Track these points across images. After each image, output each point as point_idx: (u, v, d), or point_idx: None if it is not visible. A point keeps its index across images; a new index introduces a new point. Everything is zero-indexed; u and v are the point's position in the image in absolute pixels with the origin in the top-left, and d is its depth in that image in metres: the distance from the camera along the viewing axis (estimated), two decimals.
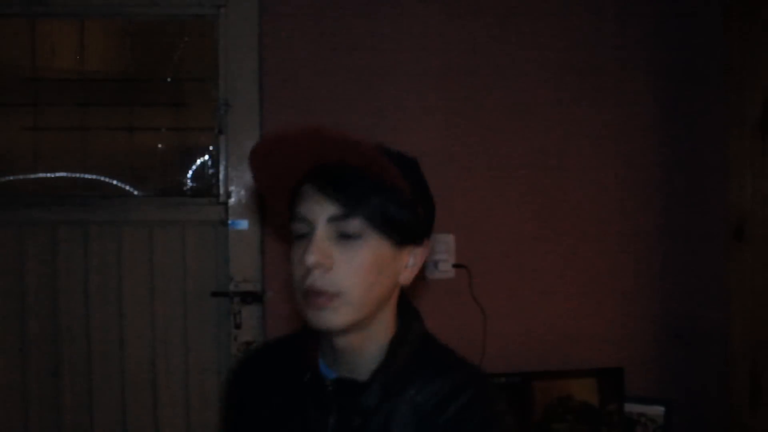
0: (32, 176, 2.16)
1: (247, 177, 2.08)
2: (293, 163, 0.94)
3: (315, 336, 0.99)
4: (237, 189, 2.08)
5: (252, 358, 1.12)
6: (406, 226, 0.93)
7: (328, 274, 0.90)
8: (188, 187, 2.19)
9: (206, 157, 2.18)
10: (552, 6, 2.14)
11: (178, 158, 2.20)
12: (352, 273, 0.90)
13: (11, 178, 2.17)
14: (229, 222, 2.08)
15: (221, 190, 2.12)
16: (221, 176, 2.12)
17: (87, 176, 2.17)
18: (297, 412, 0.98)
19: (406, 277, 0.97)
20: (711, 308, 2.16)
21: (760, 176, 2.01)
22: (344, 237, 0.90)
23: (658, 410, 2.05)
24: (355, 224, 0.90)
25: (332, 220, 0.90)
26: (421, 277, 2.07)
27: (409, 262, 0.97)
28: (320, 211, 0.90)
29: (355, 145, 0.89)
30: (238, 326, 2.06)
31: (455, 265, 2.09)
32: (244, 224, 2.08)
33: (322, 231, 0.90)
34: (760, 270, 2.01)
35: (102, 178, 2.17)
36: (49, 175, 2.16)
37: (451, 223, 2.09)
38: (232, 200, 2.08)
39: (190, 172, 2.19)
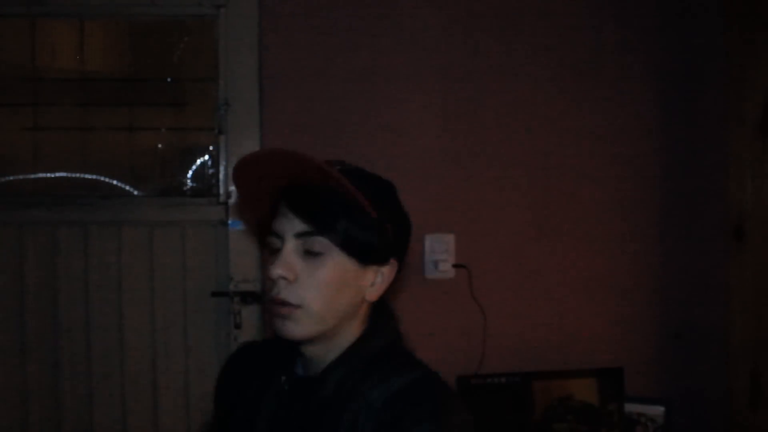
0: (32, 176, 2.16)
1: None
2: (270, 182, 1.00)
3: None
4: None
5: (246, 352, 1.20)
6: (370, 247, 0.98)
7: (291, 286, 0.96)
8: (188, 187, 2.19)
9: (206, 157, 2.18)
10: (552, 6, 2.14)
11: (178, 158, 2.20)
12: (313, 287, 0.96)
13: (11, 178, 2.17)
14: (229, 222, 2.08)
15: (221, 190, 2.12)
16: (221, 176, 2.12)
17: (87, 176, 2.17)
18: (268, 411, 1.04)
19: (372, 293, 1.02)
20: (711, 308, 2.16)
21: (760, 176, 2.01)
22: (309, 253, 0.96)
23: (658, 410, 2.05)
24: (320, 242, 0.96)
25: (299, 236, 0.96)
26: (420, 277, 2.08)
27: (376, 279, 1.01)
28: (290, 227, 0.97)
29: (320, 168, 0.95)
30: (238, 326, 2.06)
31: (455, 265, 2.09)
32: (244, 224, 2.08)
33: (290, 245, 0.97)
34: (760, 270, 2.01)
35: (102, 178, 2.17)
36: (49, 175, 2.16)
37: (451, 223, 2.09)
38: (232, 200, 2.08)
39: (190, 172, 2.19)
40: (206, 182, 2.18)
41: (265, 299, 0.99)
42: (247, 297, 2.06)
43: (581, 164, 2.15)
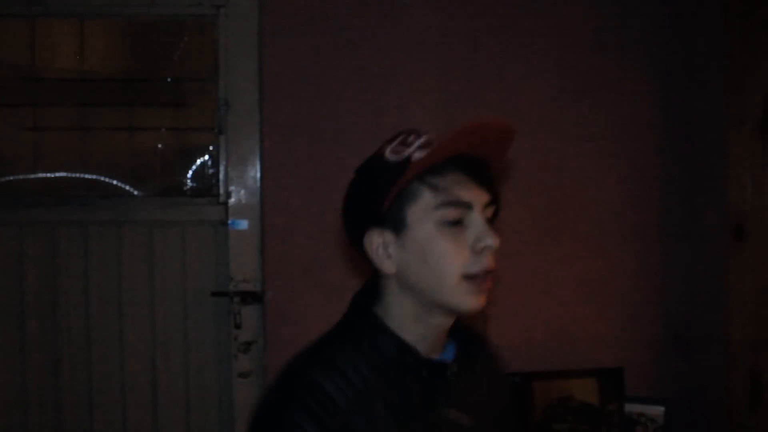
0: (32, 176, 2.16)
1: (247, 176, 2.08)
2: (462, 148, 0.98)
3: (390, 335, 0.99)
4: (237, 189, 2.09)
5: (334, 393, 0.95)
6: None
7: (493, 254, 0.97)
8: (188, 187, 2.19)
9: (206, 157, 2.18)
10: (552, 6, 2.14)
11: (178, 158, 2.20)
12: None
13: (11, 178, 2.17)
14: (229, 222, 2.08)
15: (221, 190, 2.12)
16: (221, 176, 2.12)
17: (87, 176, 2.17)
18: (422, 409, 0.99)
19: None
20: (711, 308, 2.16)
21: (760, 176, 2.01)
22: (487, 221, 0.98)
23: (658, 410, 2.05)
24: (492, 212, 1.00)
25: (485, 206, 0.98)
26: None
27: None
28: (479, 198, 0.97)
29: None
30: (238, 326, 2.06)
31: None
32: (244, 224, 2.08)
33: (482, 215, 0.97)
34: (760, 270, 2.00)
35: (102, 178, 2.17)
36: (49, 175, 2.16)
37: None
38: (232, 200, 2.08)
39: (190, 172, 2.19)
40: (206, 182, 2.18)
41: (457, 273, 0.95)
42: (247, 297, 2.06)
43: (581, 164, 2.15)
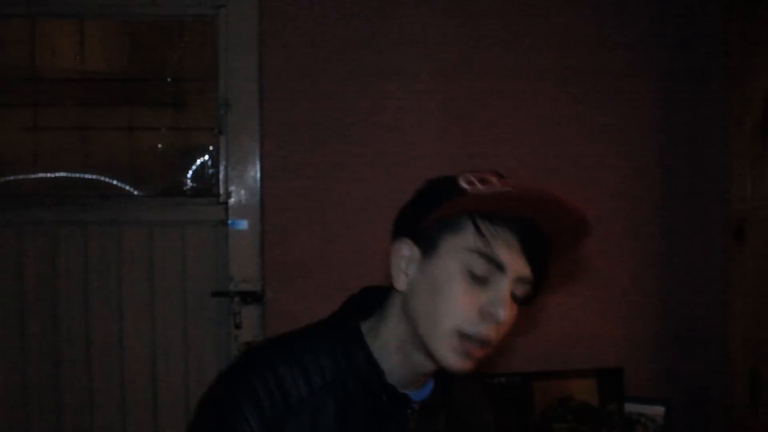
0: (32, 176, 2.16)
1: (247, 176, 2.08)
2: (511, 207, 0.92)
3: (365, 353, 0.96)
4: (237, 189, 2.09)
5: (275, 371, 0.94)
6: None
7: (497, 328, 0.90)
8: (188, 187, 2.19)
9: (206, 157, 2.18)
10: (552, 6, 2.14)
11: (178, 158, 2.21)
12: (504, 331, 0.93)
13: (11, 178, 2.17)
14: (229, 222, 2.08)
15: (221, 190, 2.12)
16: (221, 176, 2.12)
17: (87, 176, 2.17)
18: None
19: None
20: (711, 308, 2.16)
21: (760, 176, 2.01)
22: (513, 297, 0.92)
23: (658, 410, 2.05)
24: (526, 291, 0.93)
25: (519, 281, 0.92)
26: None
27: None
28: (516, 267, 0.90)
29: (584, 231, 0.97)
30: (238, 326, 2.06)
31: None
32: (244, 224, 2.08)
33: (509, 285, 0.90)
34: (760, 270, 2.00)
35: (102, 178, 2.18)
36: (49, 175, 2.16)
37: None
38: (232, 200, 2.08)
39: (190, 172, 2.19)
40: (206, 182, 2.18)
41: (452, 326, 0.89)
42: (247, 297, 2.06)
43: (581, 164, 2.15)
